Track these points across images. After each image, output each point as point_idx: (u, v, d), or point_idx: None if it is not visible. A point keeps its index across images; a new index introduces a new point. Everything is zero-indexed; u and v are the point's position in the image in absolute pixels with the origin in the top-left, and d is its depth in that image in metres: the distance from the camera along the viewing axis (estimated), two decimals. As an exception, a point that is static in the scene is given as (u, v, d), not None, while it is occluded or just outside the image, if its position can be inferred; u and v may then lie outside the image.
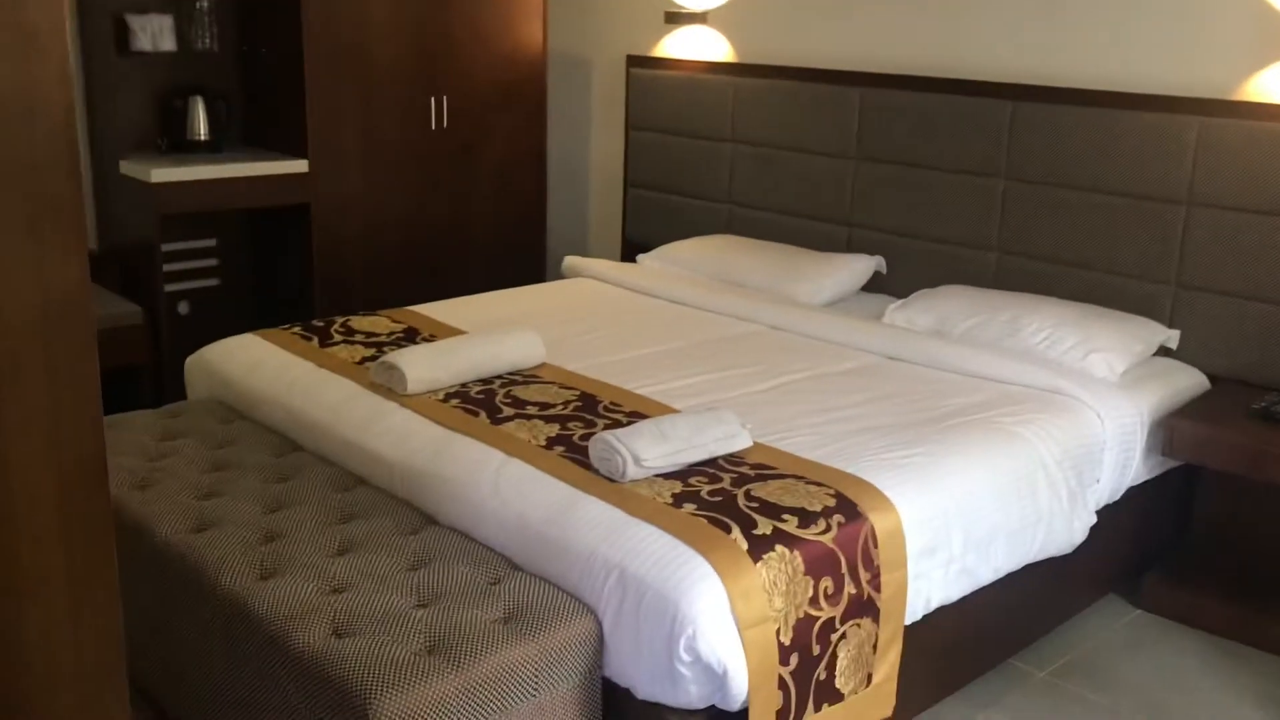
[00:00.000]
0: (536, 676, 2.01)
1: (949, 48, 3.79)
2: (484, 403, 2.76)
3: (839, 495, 2.32)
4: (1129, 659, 2.90)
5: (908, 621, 2.37)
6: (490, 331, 3.13)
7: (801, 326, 3.50)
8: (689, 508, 2.23)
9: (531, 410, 2.72)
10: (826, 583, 2.18)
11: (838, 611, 2.20)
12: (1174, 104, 3.27)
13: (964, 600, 2.53)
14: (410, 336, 3.24)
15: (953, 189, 3.74)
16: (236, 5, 4.26)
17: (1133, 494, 3.01)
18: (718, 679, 2.03)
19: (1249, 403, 3.00)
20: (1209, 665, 2.87)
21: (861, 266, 3.88)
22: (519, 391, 2.84)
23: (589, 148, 5.13)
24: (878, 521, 2.30)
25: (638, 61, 4.67)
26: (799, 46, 4.19)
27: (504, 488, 2.38)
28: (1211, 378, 3.25)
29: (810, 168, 4.12)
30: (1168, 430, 2.96)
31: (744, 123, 4.29)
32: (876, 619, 2.29)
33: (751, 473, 2.40)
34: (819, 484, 2.36)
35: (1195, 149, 3.22)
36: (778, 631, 2.09)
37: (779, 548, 2.13)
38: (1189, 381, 3.21)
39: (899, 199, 3.88)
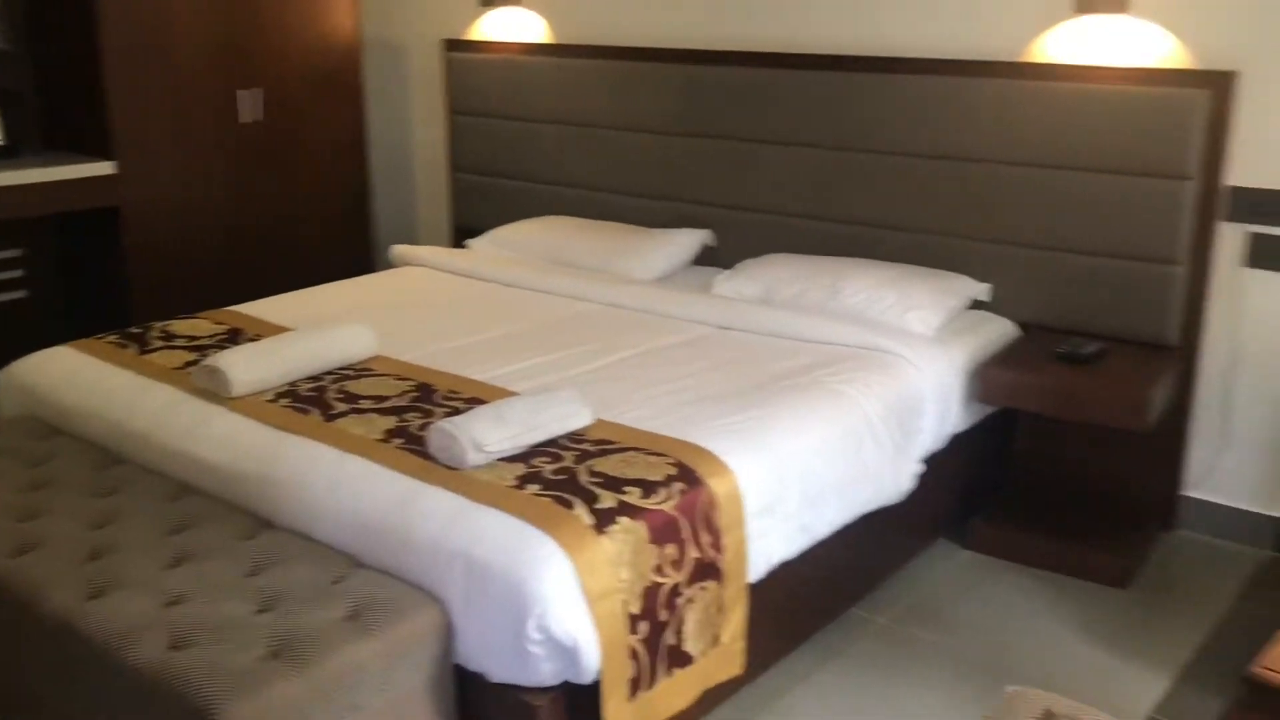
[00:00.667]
0: (386, 671, 2.00)
1: (765, 23, 3.88)
2: (315, 400, 2.71)
3: (679, 464, 2.37)
4: (962, 599, 3.05)
5: (751, 580, 2.44)
6: (318, 326, 3.07)
7: (635, 302, 3.55)
8: (532, 488, 2.25)
9: (366, 404, 2.68)
10: (671, 550, 2.23)
11: (683, 576, 2.25)
12: (972, 68, 3.44)
13: (803, 555, 2.62)
14: (234, 337, 3.15)
15: (775, 161, 3.83)
16: (26, 1, 4.04)
17: (955, 441, 3.16)
18: (570, 654, 2.06)
19: (1055, 347, 3.19)
20: (1035, 598, 3.05)
21: (690, 241, 3.95)
22: (351, 386, 2.80)
23: (411, 134, 5.06)
24: (716, 486, 2.36)
25: (455, 45, 4.62)
26: (617, 25, 4.22)
27: (341, 485, 2.34)
28: (1021, 326, 3.43)
29: (636, 145, 4.16)
30: (982, 378, 3.12)
31: (567, 103, 4.30)
32: (721, 580, 2.35)
33: (593, 449, 2.43)
34: (659, 454, 2.40)
35: (994, 109, 3.39)
36: (626, 602, 2.13)
37: (623, 519, 2.17)
38: (1000, 331, 3.38)
39: (724, 173, 3.96)
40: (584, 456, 2.39)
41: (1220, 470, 3.33)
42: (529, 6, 4.46)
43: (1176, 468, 3.36)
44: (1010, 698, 1.62)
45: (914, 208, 3.58)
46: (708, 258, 3.98)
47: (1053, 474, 3.42)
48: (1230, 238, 3.19)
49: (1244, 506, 3.30)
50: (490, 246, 4.18)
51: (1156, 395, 2.96)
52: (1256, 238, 3.15)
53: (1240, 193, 3.14)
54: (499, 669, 2.10)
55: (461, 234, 4.59)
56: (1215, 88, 3.09)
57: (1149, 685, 2.66)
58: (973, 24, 3.48)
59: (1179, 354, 3.23)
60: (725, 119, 3.91)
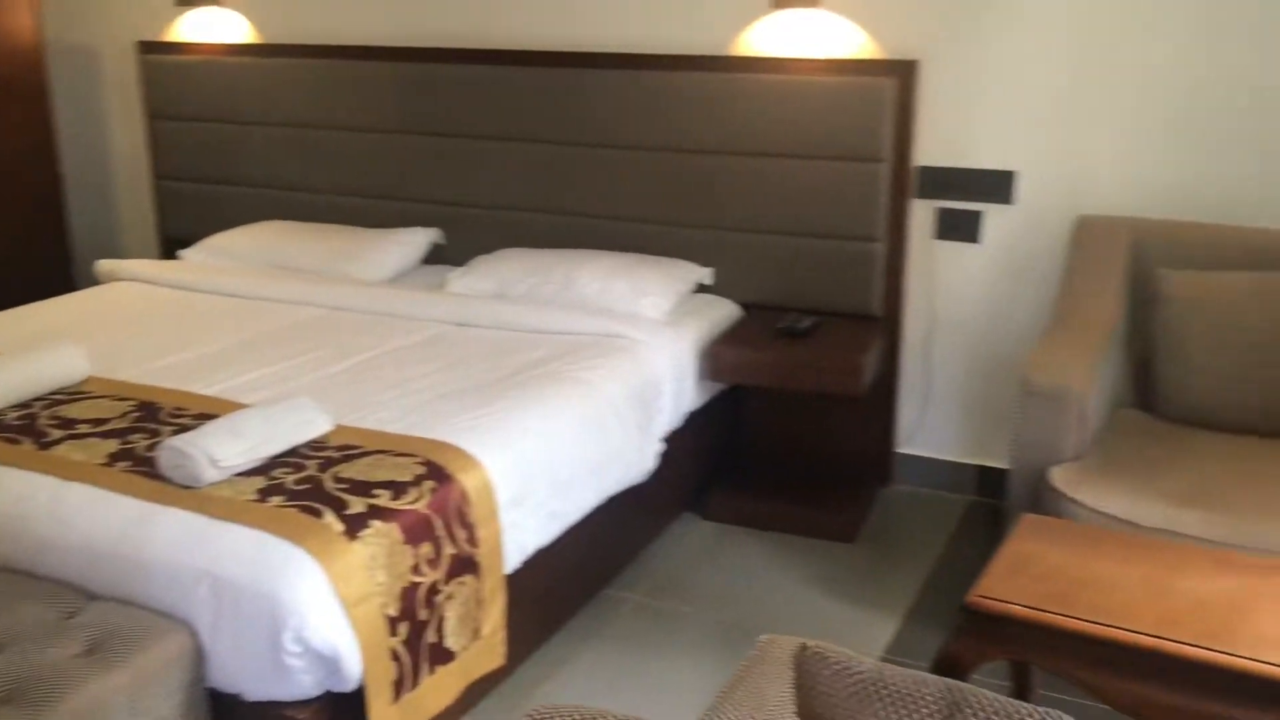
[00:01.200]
0: (133, 703, 1.90)
1: (482, 19, 3.89)
2: (26, 429, 2.51)
3: (427, 462, 2.36)
4: (707, 567, 3.19)
5: (507, 571, 2.47)
6: (21, 350, 2.84)
7: (366, 304, 3.49)
8: (276, 500, 2.18)
9: (84, 429, 2.51)
10: (426, 548, 2.22)
11: (440, 574, 2.25)
12: (682, 62, 3.58)
13: (556, 541, 2.66)
14: (-77, 368, 2.87)
15: (499, 157, 3.86)
16: None
17: (691, 419, 3.30)
18: (330, 663, 2.02)
19: (774, 324, 3.39)
20: (773, 559, 3.23)
21: (419, 240, 3.92)
22: (66, 410, 2.61)
23: (108, 141, 4.75)
24: (467, 481, 2.36)
25: (150, 47, 4.38)
26: (326, 24, 4.12)
27: (64, 515, 2.19)
28: (744, 306, 3.62)
29: (354, 145, 4.08)
30: (711, 357, 3.28)
31: (278, 105, 4.17)
32: (478, 574, 2.36)
33: (337, 455, 2.39)
34: (407, 454, 2.38)
35: (705, 102, 3.55)
36: (384, 605, 2.11)
37: (375, 523, 2.14)
38: (725, 312, 3.55)
39: (449, 170, 3.95)
40: (328, 464, 2.34)
41: (926, 427, 3.63)
42: (230, 6, 4.28)
43: (889, 428, 3.64)
44: (764, 644, 1.72)
45: (638, 198, 3.69)
46: (438, 256, 3.96)
47: (781, 443, 3.63)
48: (921, 214, 3.48)
49: (948, 458, 3.62)
50: (205, 256, 4.00)
51: (867, 362, 3.19)
52: (943, 212, 3.45)
53: (926, 172, 3.43)
54: (256, 687, 2.03)
55: (171, 244, 4.36)
56: (900, 76, 3.36)
57: (881, 628, 2.88)
58: (681, 20, 3.63)
59: (884, 324, 3.50)
60: (445, 116, 3.90)
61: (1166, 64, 3.12)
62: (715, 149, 3.56)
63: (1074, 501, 2.49)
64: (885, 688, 1.07)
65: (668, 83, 3.59)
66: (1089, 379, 2.66)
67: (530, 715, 1.08)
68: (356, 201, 4.12)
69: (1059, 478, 2.55)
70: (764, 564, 3.21)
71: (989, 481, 3.51)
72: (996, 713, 1.03)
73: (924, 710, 1.04)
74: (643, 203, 3.69)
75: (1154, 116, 3.16)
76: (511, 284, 3.53)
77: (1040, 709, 1.04)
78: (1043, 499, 2.57)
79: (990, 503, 3.49)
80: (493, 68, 3.81)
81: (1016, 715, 1.02)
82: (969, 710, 1.03)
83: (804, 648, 1.10)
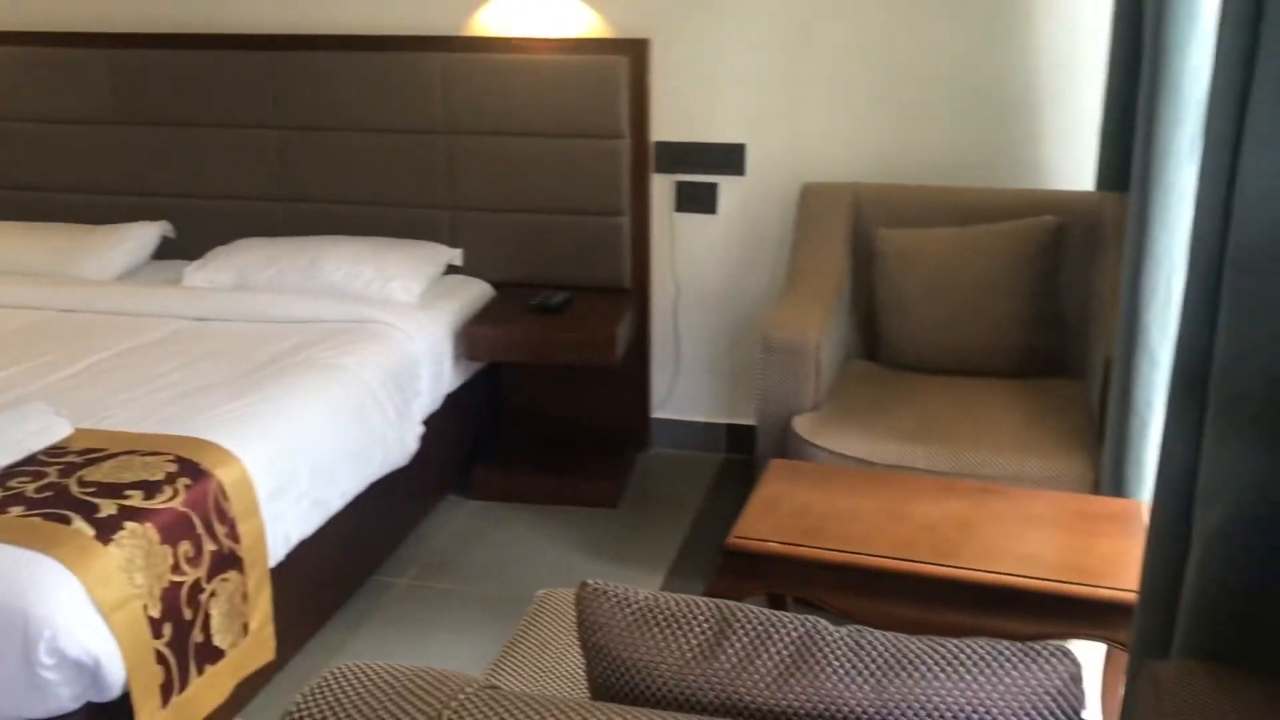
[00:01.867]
0: None
1: (202, 3, 3.73)
2: None
3: (179, 459, 2.28)
4: (475, 545, 3.22)
5: (272, 564, 2.42)
6: None
7: (96, 304, 3.31)
8: (16, 510, 2.06)
9: None
10: (186, 546, 2.15)
11: (202, 572, 2.19)
12: (416, 43, 3.57)
13: (321, 531, 2.63)
14: None
15: (229, 145, 3.73)
16: None
17: (451, 399, 3.31)
18: (90, 673, 1.93)
19: (528, 301, 3.44)
20: (540, 530, 3.30)
21: (148, 234, 3.73)
22: None
23: None
24: (223, 475, 2.30)
25: None
26: (37, 8, 3.84)
27: None
28: (496, 285, 3.65)
29: (65, 138, 3.84)
30: (467, 337, 3.30)
31: (-22, 95, 3.86)
32: (242, 569, 2.31)
33: (80, 459, 2.27)
34: (156, 453, 2.30)
35: (443, 83, 3.55)
36: (145, 607, 2.03)
37: (129, 524, 2.06)
38: (479, 292, 3.58)
39: (176, 161, 3.78)
40: (70, 469, 2.23)
41: (677, 392, 3.79)
42: (-87, -12, 3.92)
43: (644, 395, 3.77)
44: (541, 598, 1.78)
45: (379, 182, 3.66)
46: (170, 250, 3.79)
47: (541, 417, 3.70)
48: (661, 187, 3.62)
49: (701, 419, 3.79)
50: (-95, 262, 3.67)
51: (620, 334, 3.30)
52: (681, 185, 3.60)
53: (663, 147, 3.57)
54: (10, 705, 1.92)
55: None
56: (633, 54, 3.48)
57: (647, 583, 2.99)
58: (412, 1, 3.61)
59: (634, 295, 3.62)
60: (168, 105, 3.73)
61: (875, 38, 3.37)
62: (455, 129, 3.58)
63: (816, 446, 2.68)
64: (661, 613, 1.14)
65: (402, 64, 3.57)
66: (822, 333, 2.86)
67: (326, 676, 1.10)
68: (79, 198, 3.88)
69: (801, 426, 2.74)
70: (531, 536, 3.27)
71: (739, 439, 3.70)
72: (762, 624, 1.12)
73: (697, 629, 1.13)
74: (384, 186, 3.66)
75: (864, 88, 3.41)
76: (252, 274, 3.43)
77: (800, 615, 1.14)
78: (788, 447, 2.75)
79: (742, 458, 3.68)
80: (212, 53, 3.67)
81: (781, 623, 1.12)
82: (738, 625, 1.12)
83: (584, 585, 1.17)
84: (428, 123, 3.58)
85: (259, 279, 3.41)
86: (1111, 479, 2.41)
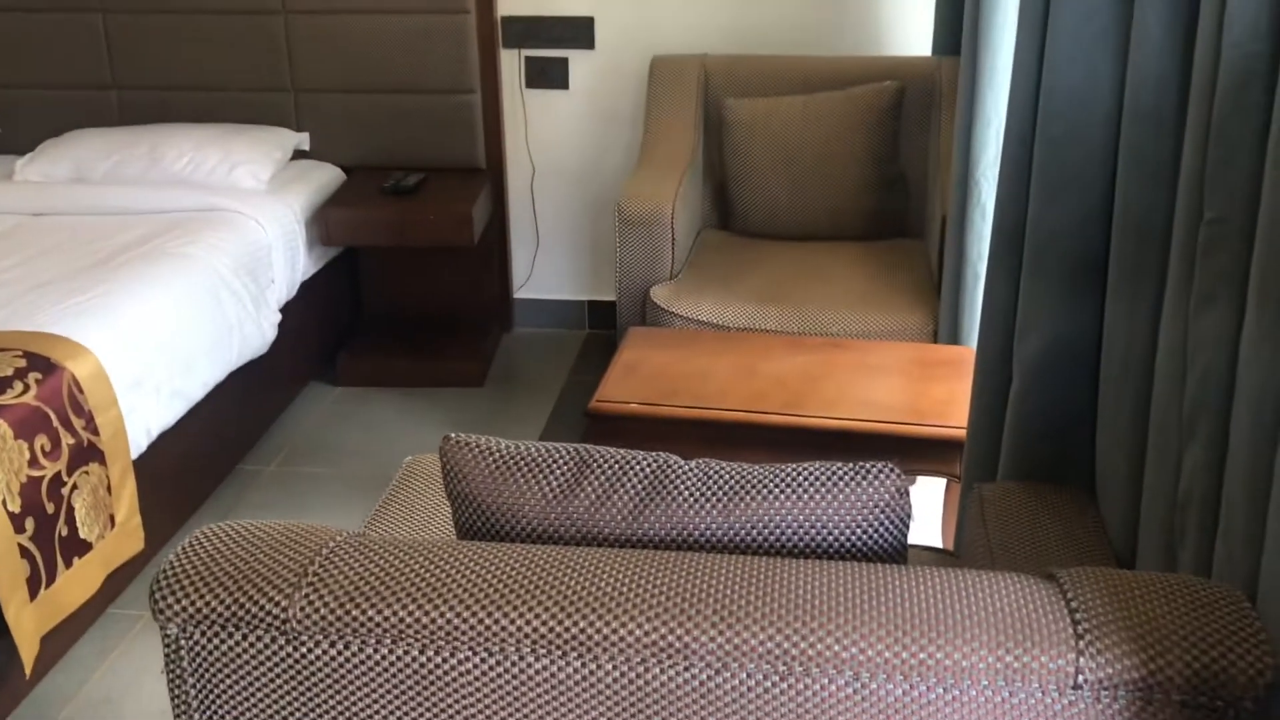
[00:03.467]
0: None
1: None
2: None
3: (28, 354, 2.23)
4: (343, 429, 3.23)
5: (134, 456, 2.40)
6: None
7: (-79, 202, 3.15)
8: None
9: None
10: (42, 440, 2.12)
11: (61, 465, 2.16)
12: (247, -83, 3.42)
13: (182, 421, 2.61)
14: None
15: (50, 30, 3.53)
16: None
17: (309, 286, 3.28)
18: (-48, 569, 1.91)
19: (381, 183, 3.40)
20: (408, 412, 3.32)
21: (-31, 127, 3.54)
22: None
23: None
24: (77, 369, 2.26)
25: None
26: None
27: None
28: (347, 169, 3.59)
29: None
30: (321, 222, 3.26)
31: None
32: (104, 461, 2.29)
33: (-83, 359, 2.20)
34: (3, 349, 2.24)
35: (277, -41, 3.43)
36: (4, 502, 2.01)
37: (-22, 420, 2.02)
38: (329, 176, 3.51)
39: (-6, 48, 3.58)
40: (-90, 369, 2.16)
41: (538, 271, 3.82)
42: None
43: (506, 275, 3.79)
44: (409, 463, 1.83)
45: (220, 65, 3.53)
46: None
47: (404, 301, 3.69)
48: (510, 63, 3.58)
49: (563, 297, 3.84)
50: None
51: (476, 213, 3.30)
52: (531, 60, 3.57)
53: (510, 21, 3.52)
54: None
55: None
56: (474, -74, 3.41)
57: (516, 458, 3.07)
58: (239, -128, 3.45)
59: (489, 175, 3.61)
60: (-18, -13, 3.52)
61: (716, -92, 3.37)
62: (294, 9, 3.46)
63: (673, 314, 2.76)
64: (523, 459, 1.20)
65: (235, -60, 3.42)
66: (676, 205, 2.92)
67: (198, 534, 1.13)
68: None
69: (658, 295, 2.81)
70: (397, 418, 3.30)
71: (602, 315, 3.76)
72: (619, 462, 1.19)
73: (558, 471, 1.19)
74: (224, 71, 3.54)
75: (710, -42, 3.42)
76: (90, 167, 3.29)
77: (653, 453, 1.22)
78: (647, 317, 2.82)
79: (606, 333, 3.75)
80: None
81: (635, 460, 1.20)
82: (595, 465, 1.19)
83: (446, 438, 1.22)
84: (264, 3, 3.46)
85: (97, 171, 3.28)
86: (949, 328, 2.56)
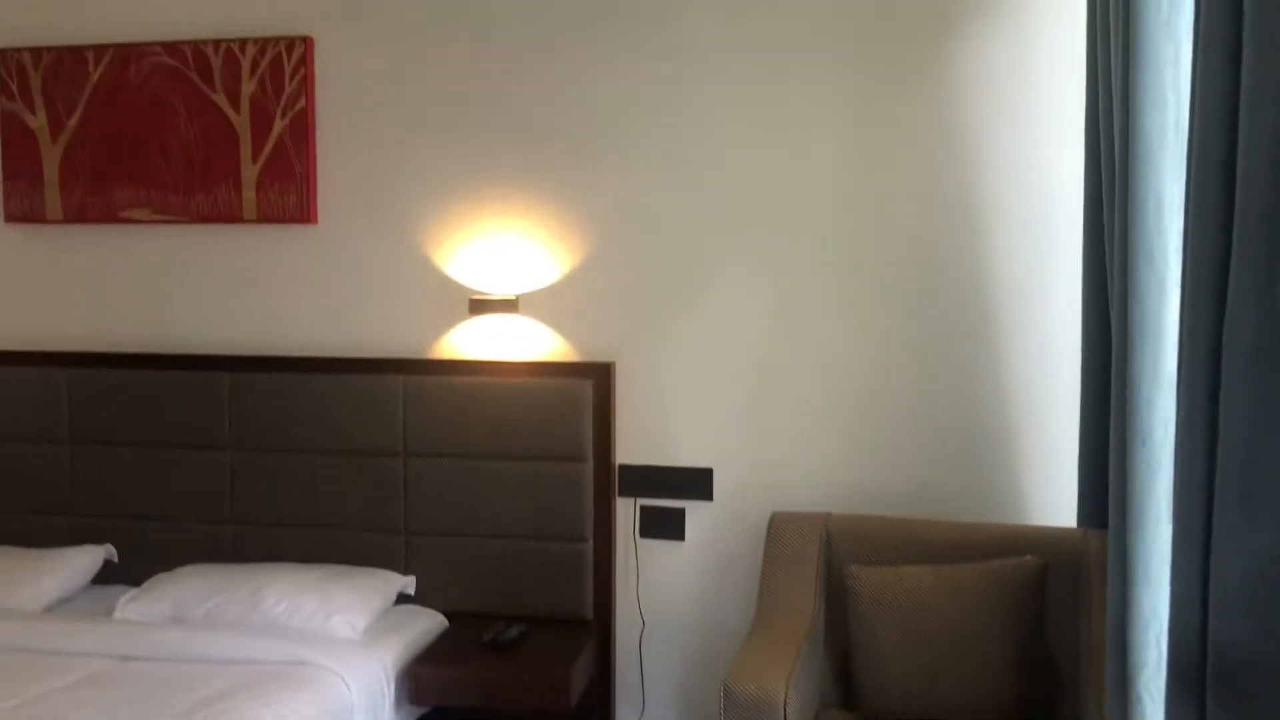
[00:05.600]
0: None
1: (159, 323, 3.71)
2: None
3: None
4: None
5: None
6: None
7: (16, 640, 3.08)
8: None
9: None
10: None
11: None
12: (381, 365, 3.51)
13: None
14: None
15: (179, 465, 3.62)
16: None
17: (391, 749, 3.03)
18: None
19: (480, 635, 3.21)
20: None
21: (87, 559, 3.55)
22: None
23: None
24: None
25: None
26: (-11, 327, 3.84)
27: None
28: (450, 615, 3.42)
29: (13, 457, 3.73)
30: (411, 679, 3.05)
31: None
32: None
33: None
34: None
35: (403, 403, 3.47)
36: None
37: None
38: (429, 625, 3.34)
39: (124, 481, 3.66)
40: None
41: (645, 735, 3.49)
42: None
43: (606, 736, 3.47)
44: None
45: (331, 504, 3.52)
46: (111, 574, 3.59)
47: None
48: (624, 512, 3.46)
49: (669, 767, 3.47)
50: None
51: (576, 674, 3.05)
52: (646, 510, 3.44)
53: (628, 470, 3.44)
54: None
55: None
56: (597, 377, 3.40)
57: None
58: (380, 324, 3.58)
59: (596, 627, 3.39)
60: (119, 424, 3.65)
61: (843, 364, 3.30)
62: (415, 452, 3.47)
63: (781, 824, 2.38)
64: None
65: (363, 385, 3.50)
66: (791, 684, 2.61)
67: None
68: (12, 520, 3.73)
69: (765, 797, 2.44)
70: None
71: (711, 788, 3.36)
72: None
73: None
74: (334, 509, 3.52)
75: (830, 413, 3.31)
76: (189, 605, 3.21)
77: None
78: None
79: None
80: (166, 373, 3.63)
81: None
82: None
83: None
84: (387, 445, 3.48)
85: (196, 612, 3.20)
86: None
